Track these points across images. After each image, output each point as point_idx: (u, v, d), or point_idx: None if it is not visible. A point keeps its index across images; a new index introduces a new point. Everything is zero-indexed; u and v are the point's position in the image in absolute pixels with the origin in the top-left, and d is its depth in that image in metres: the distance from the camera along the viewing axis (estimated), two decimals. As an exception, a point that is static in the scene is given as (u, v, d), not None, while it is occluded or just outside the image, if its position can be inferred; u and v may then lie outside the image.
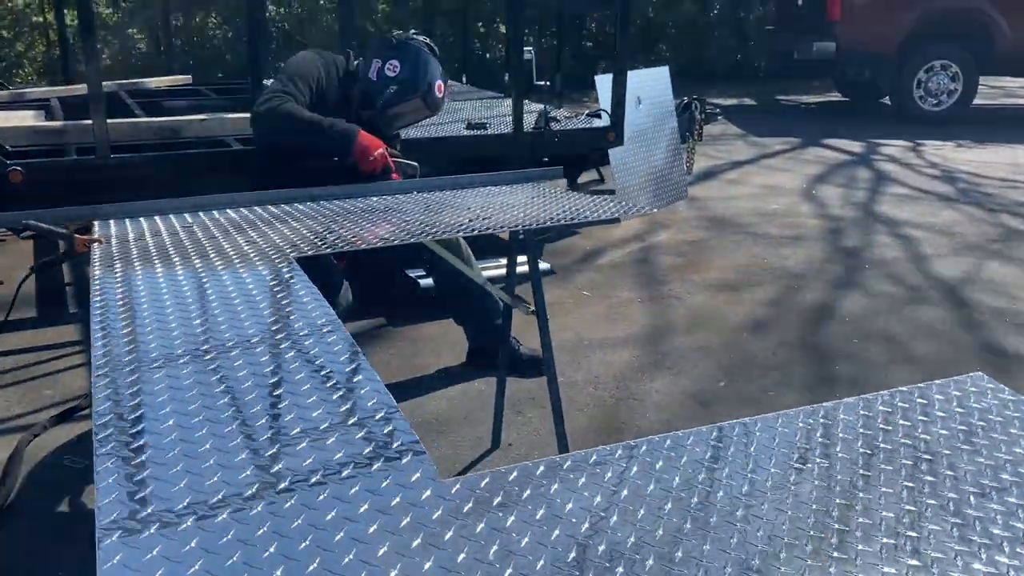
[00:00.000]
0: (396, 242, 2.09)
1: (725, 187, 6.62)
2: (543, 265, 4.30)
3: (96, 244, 2.09)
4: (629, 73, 5.90)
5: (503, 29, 10.77)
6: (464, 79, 6.56)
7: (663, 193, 5.93)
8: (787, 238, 5.28)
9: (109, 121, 3.92)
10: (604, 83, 5.48)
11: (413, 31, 3.23)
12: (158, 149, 4.17)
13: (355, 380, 1.34)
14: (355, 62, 3.07)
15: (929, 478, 1.15)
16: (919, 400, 1.36)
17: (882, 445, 1.22)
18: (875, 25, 8.94)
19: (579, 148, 4.84)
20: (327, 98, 2.96)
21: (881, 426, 1.27)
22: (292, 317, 1.58)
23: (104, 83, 5.77)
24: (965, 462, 1.20)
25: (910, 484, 1.13)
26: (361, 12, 9.82)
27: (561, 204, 2.54)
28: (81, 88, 5.36)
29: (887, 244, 5.16)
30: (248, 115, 4.52)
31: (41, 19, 9.58)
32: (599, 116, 4.90)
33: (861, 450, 1.20)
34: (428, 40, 3.14)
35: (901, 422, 1.29)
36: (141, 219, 2.35)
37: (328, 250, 2.02)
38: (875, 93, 10.19)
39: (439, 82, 3.05)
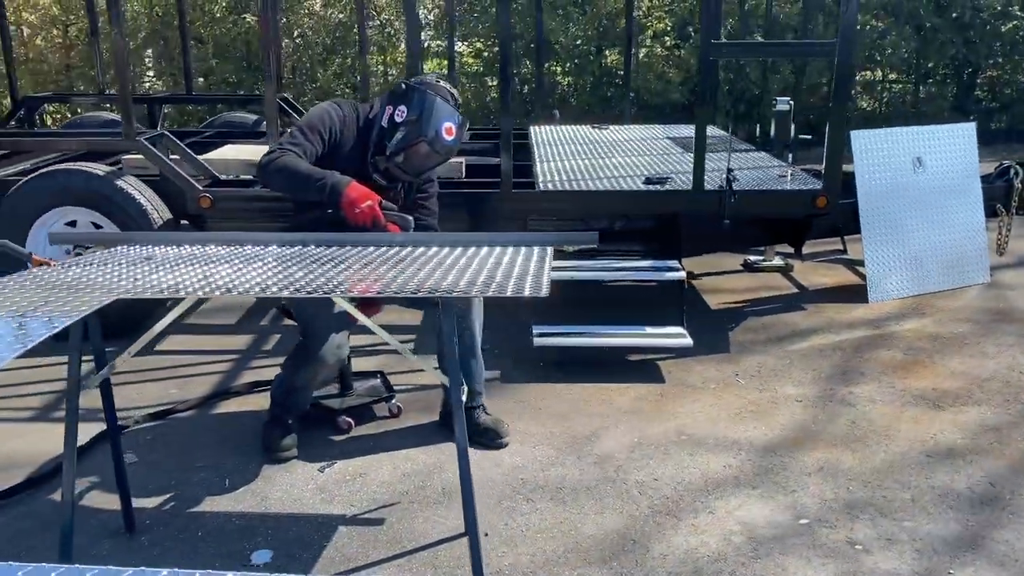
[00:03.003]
0: (275, 292, 1.99)
1: (1050, 275, 5.20)
2: (685, 341, 3.77)
3: (44, 267, 2.32)
4: (917, 128, 5.00)
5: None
6: (731, 129, 6.03)
7: (945, 273, 4.85)
8: (1081, 350, 3.98)
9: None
10: (862, 140, 4.69)
11: (433, 74, 3.08)
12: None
13: None
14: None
15: None
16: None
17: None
18: None
19: (772, 211, 4.17)
20: (342, 147, 2.95)
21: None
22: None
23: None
24: None
25: None
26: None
27: (509, 271, 2.21)
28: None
29: None
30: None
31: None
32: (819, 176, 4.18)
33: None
34: (446, 83, 2.97)
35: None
36: (136, 247, 2.56)
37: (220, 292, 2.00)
38: None
39: (447, 125, 2.87)
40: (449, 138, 2.90)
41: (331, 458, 3.07)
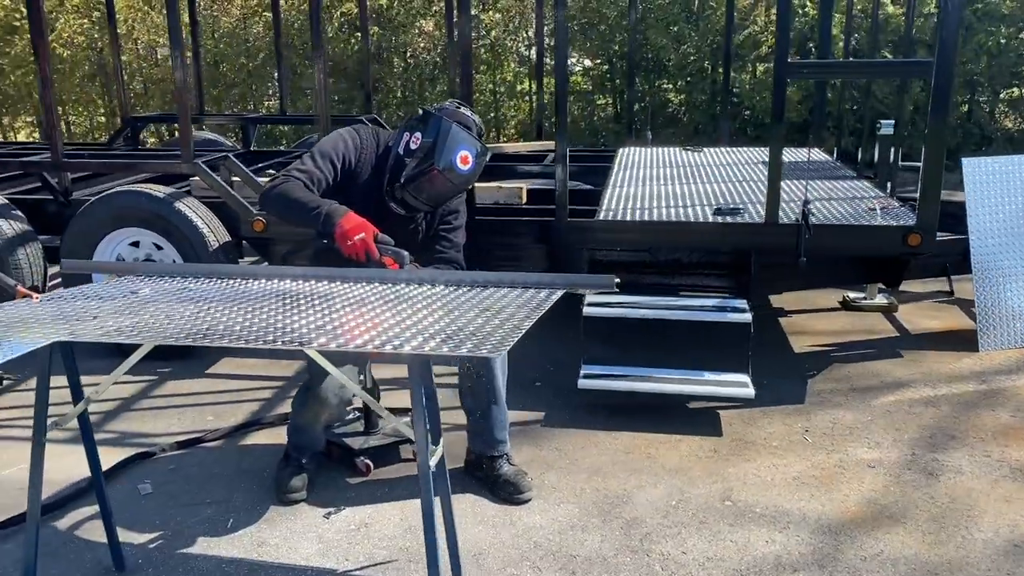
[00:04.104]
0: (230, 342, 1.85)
1: None
2: (747, 391, 3.40)
3: (27, 298, 2.27)
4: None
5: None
6: (835, 153, 5.55)
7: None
8: None
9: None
10: (975, 168, 4.18)
11: (451, 101, 2.87)
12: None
13: None
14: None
15: None
16: None
17: None
18: None
19: (855, 249, 3.72)
20: (358, 175, 2.81)
21: None
22: None
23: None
24: None
25: None
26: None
27: (489, 321, 1.97)
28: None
29: None
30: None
31: (526, 87, 10.81)
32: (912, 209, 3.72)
33: None
34: (467, 110, 2.78)
35: None
36: (133, 279, 2.49)
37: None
38: None
39: (463, 153, 2.69)
40: (464, 167, 2.71)
41: (340, 503, 2.91)
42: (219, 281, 2.46)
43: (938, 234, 4.16)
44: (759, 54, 9.22)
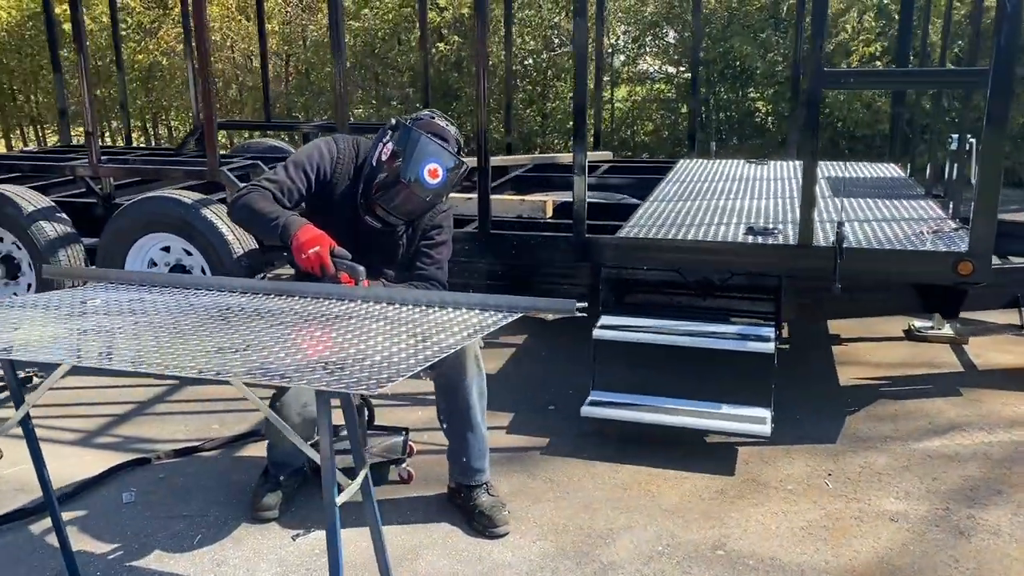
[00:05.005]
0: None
1: None
2: (762, 428, 3.12)
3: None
4: None
5: None
6: (909, 169, 5.13)
7: None
8: None
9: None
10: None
11: (429, 111, 2.73)
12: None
13: None
14: None
15: None
16: None
17: None
18: None
19: (897, 276, 3.37)
20: (335, 186, 2.72)
21: None
22: None
23: (520, 157, 6.21)
24: None
25: None
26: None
27: (413, 346, 1.83)
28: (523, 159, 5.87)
29: None
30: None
31: (607, 95, 10.57)
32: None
33: None
34: (443, 120, 2.64)
35: None
36: (106, 287, 2.47)
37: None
38: None
39: (431, 166, 2.56)
40: (433, 181, 2.57)
41: (311, 524, 2.81)
42: (176, 292, 2.41)
43: (1013, 259, 3.79)
44: (850, 63, 8.71)
